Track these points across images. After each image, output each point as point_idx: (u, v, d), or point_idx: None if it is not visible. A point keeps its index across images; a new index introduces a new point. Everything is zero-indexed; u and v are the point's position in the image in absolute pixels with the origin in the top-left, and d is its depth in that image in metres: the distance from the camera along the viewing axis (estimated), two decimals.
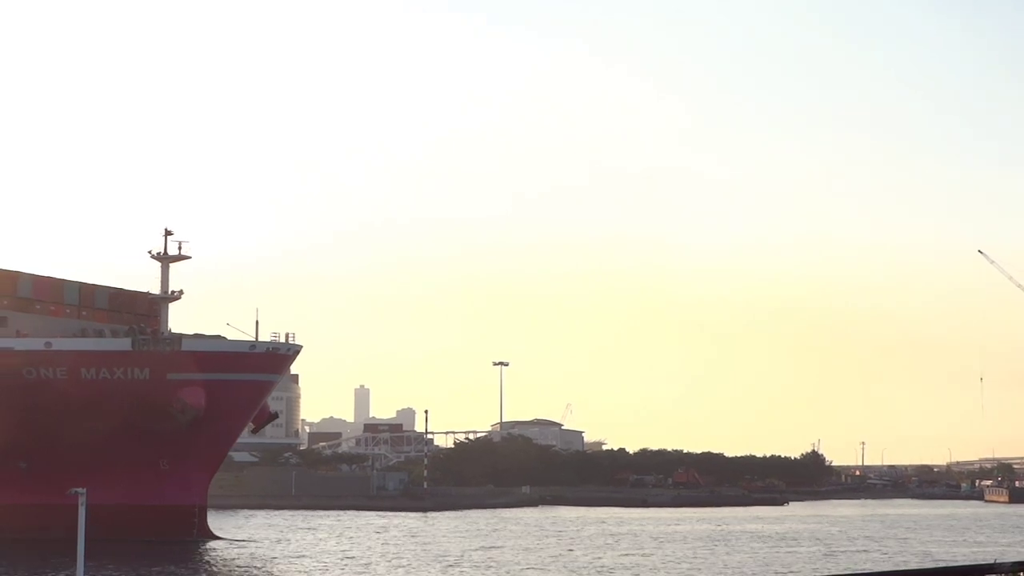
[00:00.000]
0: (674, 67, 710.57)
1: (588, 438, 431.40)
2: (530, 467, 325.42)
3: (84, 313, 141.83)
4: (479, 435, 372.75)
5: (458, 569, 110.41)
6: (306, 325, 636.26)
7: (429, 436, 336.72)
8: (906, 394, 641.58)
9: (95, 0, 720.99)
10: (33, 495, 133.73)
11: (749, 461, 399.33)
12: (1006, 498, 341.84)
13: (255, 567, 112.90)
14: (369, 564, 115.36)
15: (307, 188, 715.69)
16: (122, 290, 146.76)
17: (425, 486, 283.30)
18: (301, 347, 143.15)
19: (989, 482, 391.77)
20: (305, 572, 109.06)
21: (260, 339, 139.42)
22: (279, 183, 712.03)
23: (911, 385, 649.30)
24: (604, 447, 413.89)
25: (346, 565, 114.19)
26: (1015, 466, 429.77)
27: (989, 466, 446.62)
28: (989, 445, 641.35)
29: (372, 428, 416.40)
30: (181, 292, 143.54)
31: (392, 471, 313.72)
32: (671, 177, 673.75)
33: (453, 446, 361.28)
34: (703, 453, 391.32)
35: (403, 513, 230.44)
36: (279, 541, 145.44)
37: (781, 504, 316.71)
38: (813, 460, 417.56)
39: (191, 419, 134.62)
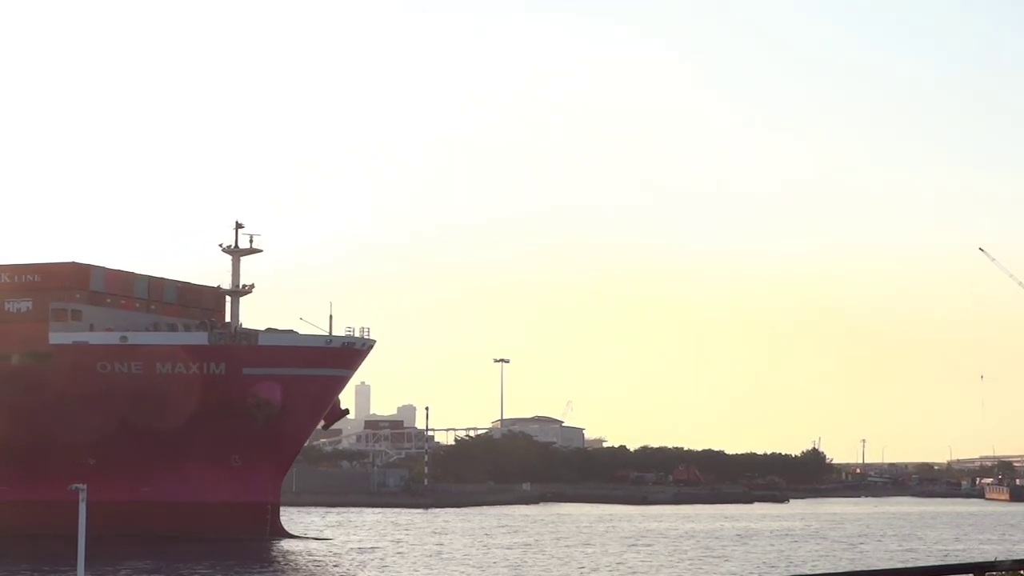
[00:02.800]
0: (675, 66, 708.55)
1: (589, 435, 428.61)
2: (531, 464, 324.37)
3: (153, 307, 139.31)
4: (480, 432, 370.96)
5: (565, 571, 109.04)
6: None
7: (430, 433, 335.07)
8: (907, 392, 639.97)
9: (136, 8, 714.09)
10: (102, 492, 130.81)
11: (750, 458, 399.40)
12: (1007, 496, 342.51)
13: (356, 567, 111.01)
14: (465, 560, 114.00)
15: (307, 188, 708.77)
16: (190, 284, 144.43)
17: (426, 483, 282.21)
18: (375, 342, 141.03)
19: (990, 480, 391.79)
20: (409, 569, 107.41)
21: (334, 334, 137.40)
22: (282, 184, 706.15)
23: (912, 383, 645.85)
24: (605, 444, 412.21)
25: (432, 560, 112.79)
26: (1016, 464, 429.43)
27: (990, 464, 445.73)
28: (990, 443, 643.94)
29: (373, 425, 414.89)
30: (252, 286, 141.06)
31: (393, 468, 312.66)
32: (670, 177, 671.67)
33: (454, 443, 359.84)
34: (703, 451, 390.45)
35: (404, 510, 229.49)
36: (333, 538, 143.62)
37: (782, 502, 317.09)
38: (814, 458, 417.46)
39: (268, 416, 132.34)
